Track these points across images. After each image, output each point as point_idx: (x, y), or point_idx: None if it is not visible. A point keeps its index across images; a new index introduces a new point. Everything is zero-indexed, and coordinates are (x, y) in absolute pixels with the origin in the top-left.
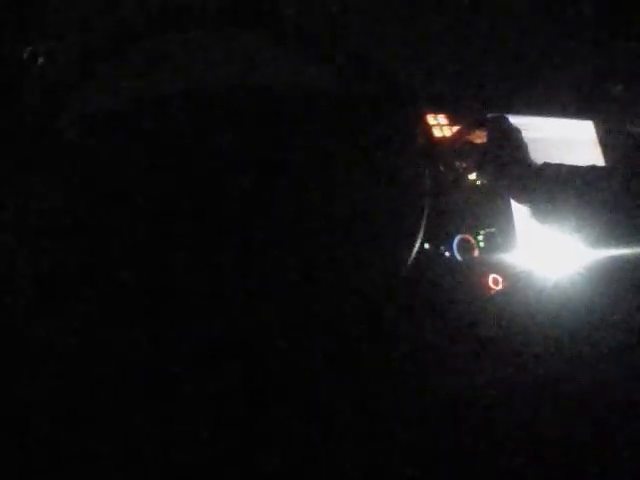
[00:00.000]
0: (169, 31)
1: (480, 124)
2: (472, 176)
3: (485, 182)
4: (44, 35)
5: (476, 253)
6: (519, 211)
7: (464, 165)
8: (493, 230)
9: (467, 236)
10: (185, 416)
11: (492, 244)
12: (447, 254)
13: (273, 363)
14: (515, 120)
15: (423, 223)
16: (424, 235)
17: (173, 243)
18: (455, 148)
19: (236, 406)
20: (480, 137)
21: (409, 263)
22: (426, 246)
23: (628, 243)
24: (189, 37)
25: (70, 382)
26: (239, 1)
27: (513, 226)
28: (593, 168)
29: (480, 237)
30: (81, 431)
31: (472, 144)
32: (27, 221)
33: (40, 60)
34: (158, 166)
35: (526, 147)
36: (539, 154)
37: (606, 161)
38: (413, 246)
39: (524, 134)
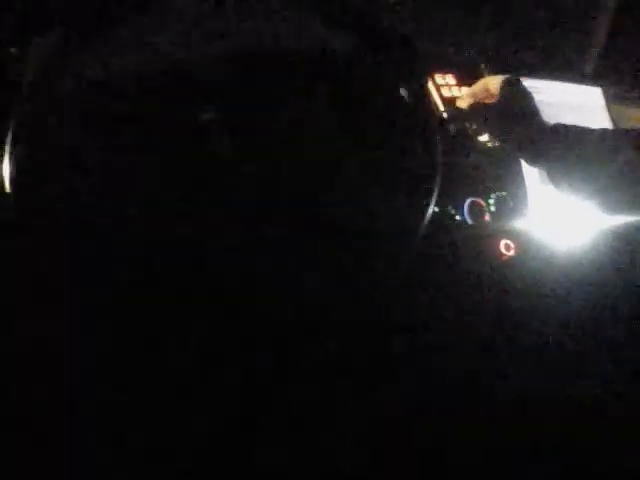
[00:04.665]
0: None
1: (491, 84)
2: (483, 138)
3: (496, 144)
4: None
5: (487, 217)
6: (531, 175)
7: (475, 126)
8: (504, 194)
9: (478, 199)
10: (185, 415)
11: (503, 208)
12: (457, 217)
13: (275, 358)
14: (525, 83)
15: (436, 188)
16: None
17: (174, 239)
18: (466, 108)
19: (237, 405)
20: (491, 97)
21: (422, 229)
22: (436, 209)
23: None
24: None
25: (69, 382)
26: None
27: (525, 190)
28: (604, 130)
29: (491, 201)
30: (81, 431)
31: (483, 104)
32: (26, 219)
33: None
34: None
35: (537, 108)
36: (548, 117)
37: (614, 127)
38: (426, 212)
39: (535, 97)
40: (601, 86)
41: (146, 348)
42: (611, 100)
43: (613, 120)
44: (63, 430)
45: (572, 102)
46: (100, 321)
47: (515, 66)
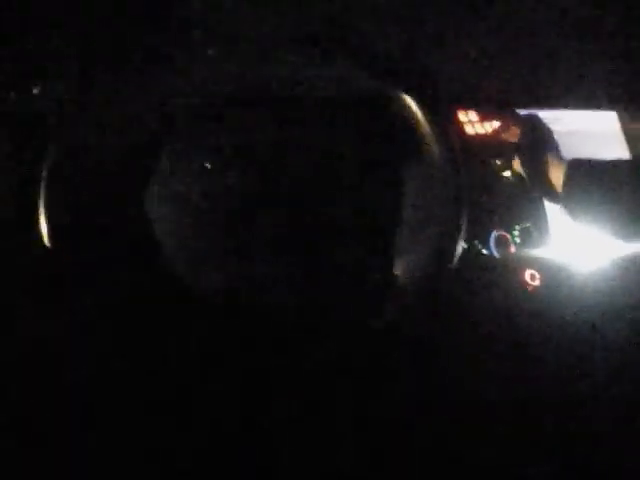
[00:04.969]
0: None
1: (513, 122)
2: (507, 173)
3: (518, 179)
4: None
5: (512, 249)
6: (551, 205)
7: (498, 162)
8: (528, 225)
9: (503, 232)
10: (185, 415)
11: (528, 239)
12: (484, 251)
13: (275, 358)
14: (541, 114)
15: (464, 222)
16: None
17: (174, 242)
18: (489, 146)
19: (237, 405)
20: (513, 135)
21: (453, 264)
22: (463, 244)
23: None
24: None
25: (69, 382)
26: None
27: (547, 219)
28: (620, 161)
29: (516, 232)
30: (81, 430)
31: (506, 142)
32: (29, 221)
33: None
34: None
35: (557, 144)
36: (566, 148)
37: (631, 151)
38: (456, 247)
39: (552, 127)
40: (615, 109)
41: (146, 348)
42: (627, 122)
43: (629, 142)
44: (63, 430)
45: (588, 129)
46: (100, 321)
47: (530, 98)
